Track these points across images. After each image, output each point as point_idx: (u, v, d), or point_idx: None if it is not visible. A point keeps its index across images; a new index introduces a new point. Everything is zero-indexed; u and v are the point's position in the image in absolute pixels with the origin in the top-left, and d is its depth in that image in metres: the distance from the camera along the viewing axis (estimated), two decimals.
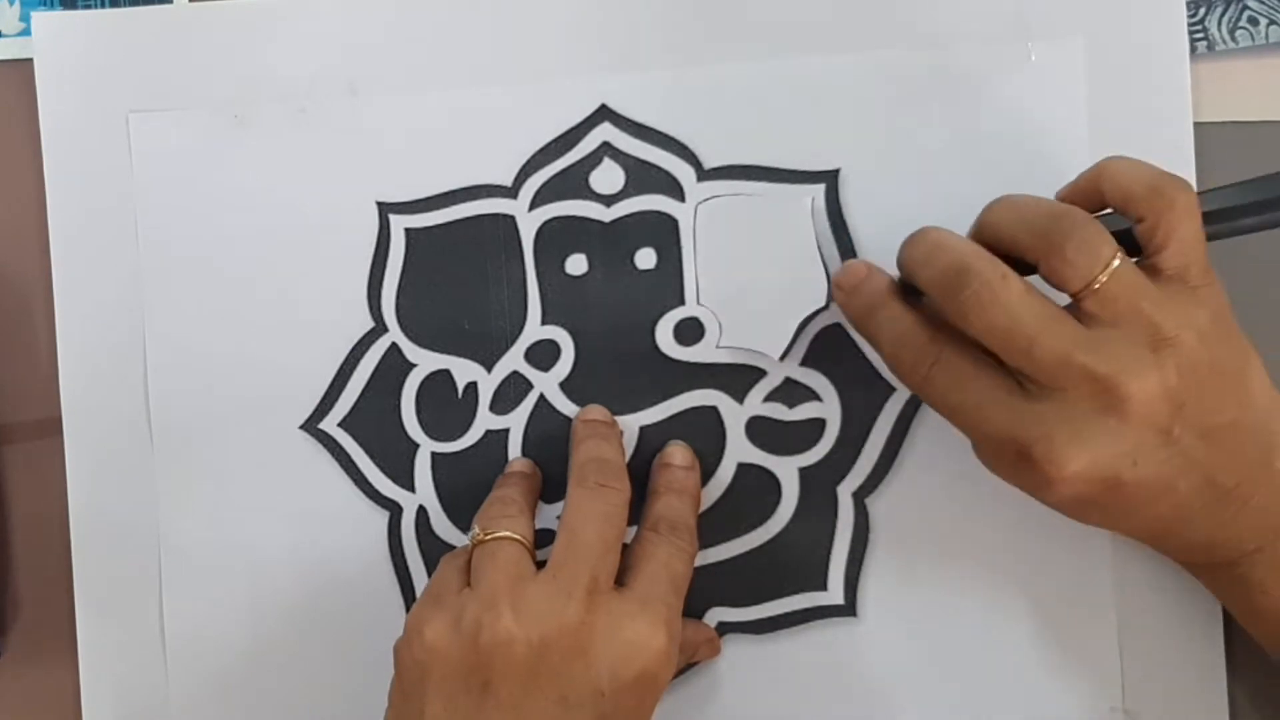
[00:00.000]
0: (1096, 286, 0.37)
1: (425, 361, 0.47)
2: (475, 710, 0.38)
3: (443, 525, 0.47)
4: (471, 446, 0.47)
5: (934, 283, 0.39)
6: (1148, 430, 0.37)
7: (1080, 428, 0.37)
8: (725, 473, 0.46)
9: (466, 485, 0.46)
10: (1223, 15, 0.45)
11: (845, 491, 0.46)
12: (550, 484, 0.46)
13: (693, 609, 0.46)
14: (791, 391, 0.46)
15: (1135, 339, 0.37)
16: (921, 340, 0.40)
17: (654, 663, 0.39)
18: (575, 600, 0.39)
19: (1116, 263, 0.37)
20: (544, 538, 0.47)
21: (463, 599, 0.40)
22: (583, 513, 0.41)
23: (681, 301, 0.46)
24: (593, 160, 0.47)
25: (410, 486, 0.47)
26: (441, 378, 0.47)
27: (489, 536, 0.41)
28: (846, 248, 0.46)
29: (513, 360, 0.47)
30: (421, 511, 0.47)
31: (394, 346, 0.47)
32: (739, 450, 0.46)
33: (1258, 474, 0.39)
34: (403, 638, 0.40)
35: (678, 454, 0.46)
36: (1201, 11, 0.45)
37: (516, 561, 0.40)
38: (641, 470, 0.46)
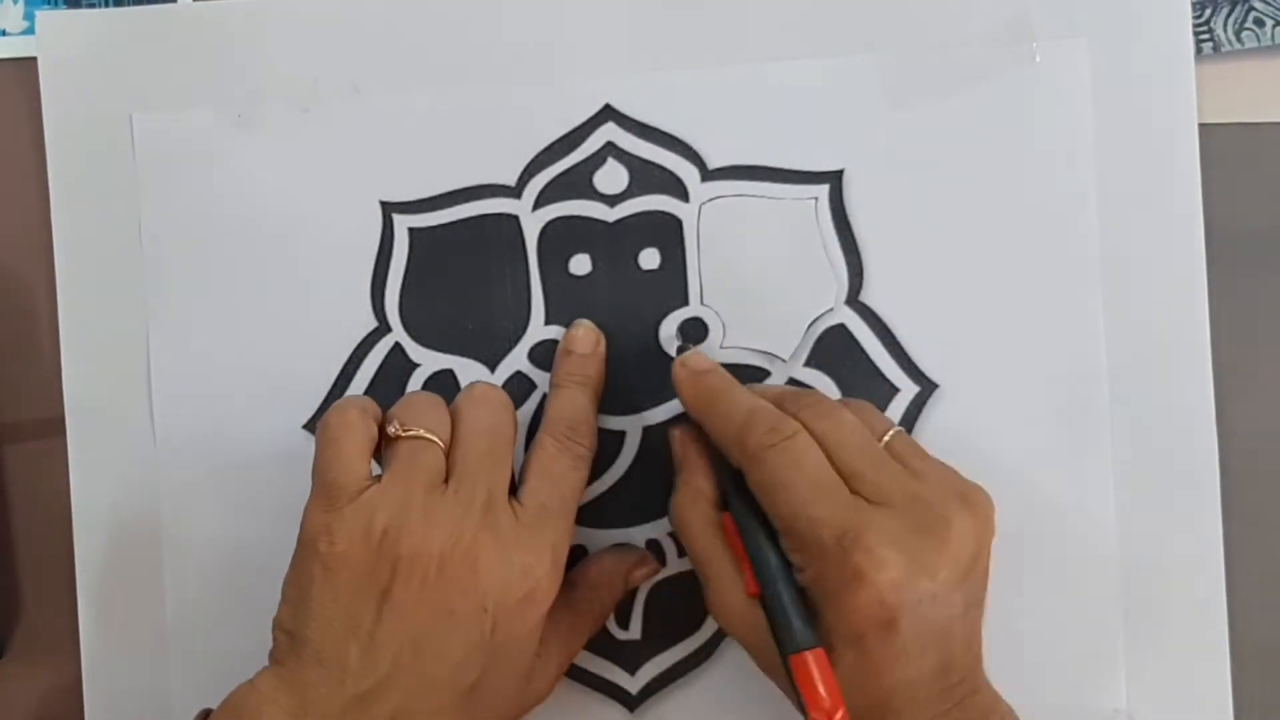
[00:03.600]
0: (885, 440, 0.41)
1: (428, 361, 0.47)
2: (370, 616, 0.39)
3: None
4: None
5: (775, 398, 0.42)
6: (958, 561, 0.38)
7: (903, 538, 0.38)
8: None
9: None
10: (1228, 16, 0.45)
11: None
12: None
13: (695, 610, 0.46)
14: None
15: (941, 485, 0.40)
16: (781, 415, 0.40)
17: (536, 587, 0.40)
18: (472, 516, 0.39)
19: (898, 428, 0.42)
20: None
21: (375, 499, 0.39)
22: (470, 422, 0.41)
23: (685, 302, 0.46)
24: (597, 160, 0.46)
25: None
26: (445, 378, 0.47)
27: (409, 433, 0.41)
28: (850, 248, 0.46)
29: (516, 360, 0.47)
30: None
31: (397, 346, 0.47)
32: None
33: (971, 678, 0.40)
34: (305, 532, 0.40)
35: (579, 338, 0.45)
36: (1207, 12, 0.45)
37: (430, 466, 0.40)
38: (644, 474, 0.46)
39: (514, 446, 0.42)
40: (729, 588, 0.41)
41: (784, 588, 0.39)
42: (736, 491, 0.41)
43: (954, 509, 0.39)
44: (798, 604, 0.39)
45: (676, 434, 0.44)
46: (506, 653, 0.40)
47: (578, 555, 0.47)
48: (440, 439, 0.41)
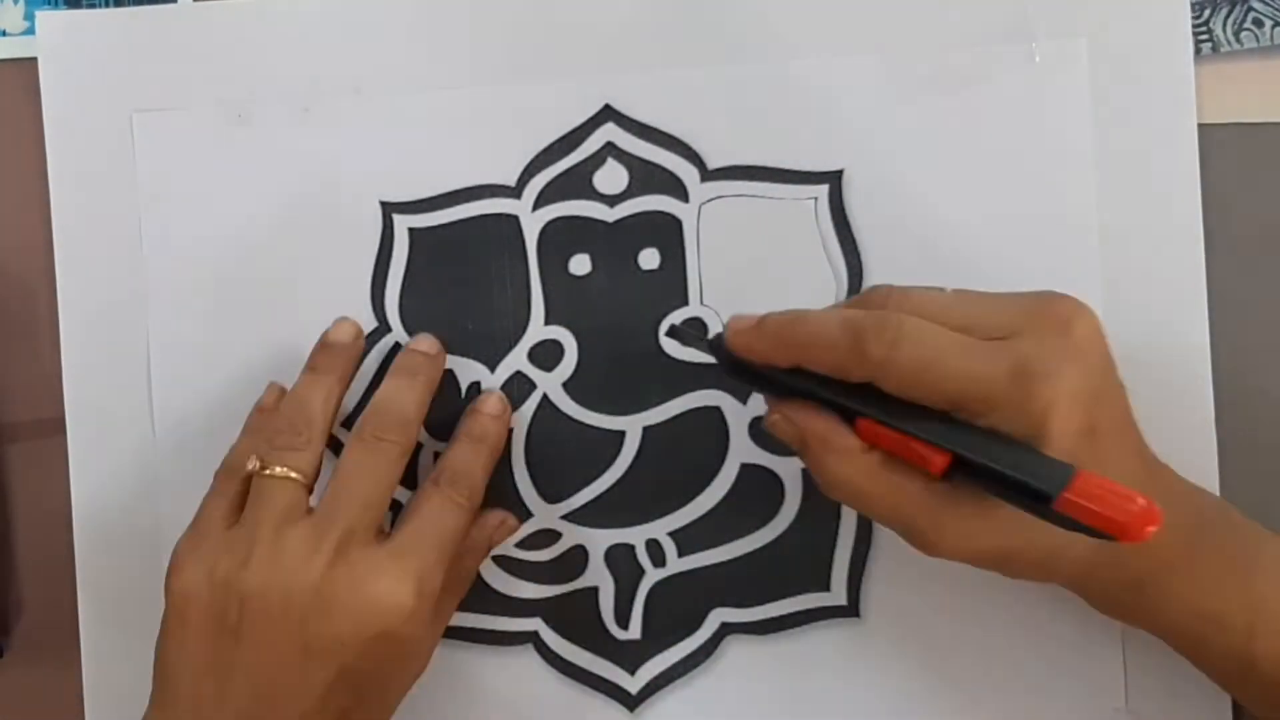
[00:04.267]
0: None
1: None
2: (225, 652, 0.40)
3: None
4: None
5: (836, 343, 0.37)
6: (1094, 349, 0.37)
7: (1055, 348, 0.36)
8: (728, 473, 0.46)
9: None
10: (1228, 16, 0.45)
11: None
12: (553, 484, 0.46)
13: (695, 610, 0.47)
14: None
15: (1024, 299, 0.38)
16: (874, 312, 0.37)
17: (395, 620, 0.40)
18: (323, 554, 0.40)
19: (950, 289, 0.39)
20: (545, 539, 0.47)
21: (221, 542, 0.41)
22: (351, 465, 0.41)
23: (685, 302, 0.46)
24: (596, 160, 0.46)
25: (413, 486, 0.47)
26: (445, 377, 0.47)
27: (265, 472, 0.41)
28: (850, 248, 0.46)
29: (516, 360, 0.47)
30: None
31: (397, 346, 0.47)
32: (742, 451, 0.46)
33: (1146, 454, 0.39)
34: (169, 567, 0.41)
35: (488, 401, 0.46)
36: (1206, 13, 0.45)
37: (287, 507, 0.41)
38: (644, 474, 0.46)
39: (392, 492, 0.42)
40: (942, 508, 0.38)
41: (987, 442, 0.36)
42: (875, 401, 0.37)
43: (1061, 302, 0.37)
44: (1011, 447, 0.36)
45: (774, 418, 0.40)
46: (377, 679, 0.41)
47: (578, 556, 0.47)
48: (302, 474, 0.41)
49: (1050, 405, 0.36)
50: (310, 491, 0.42)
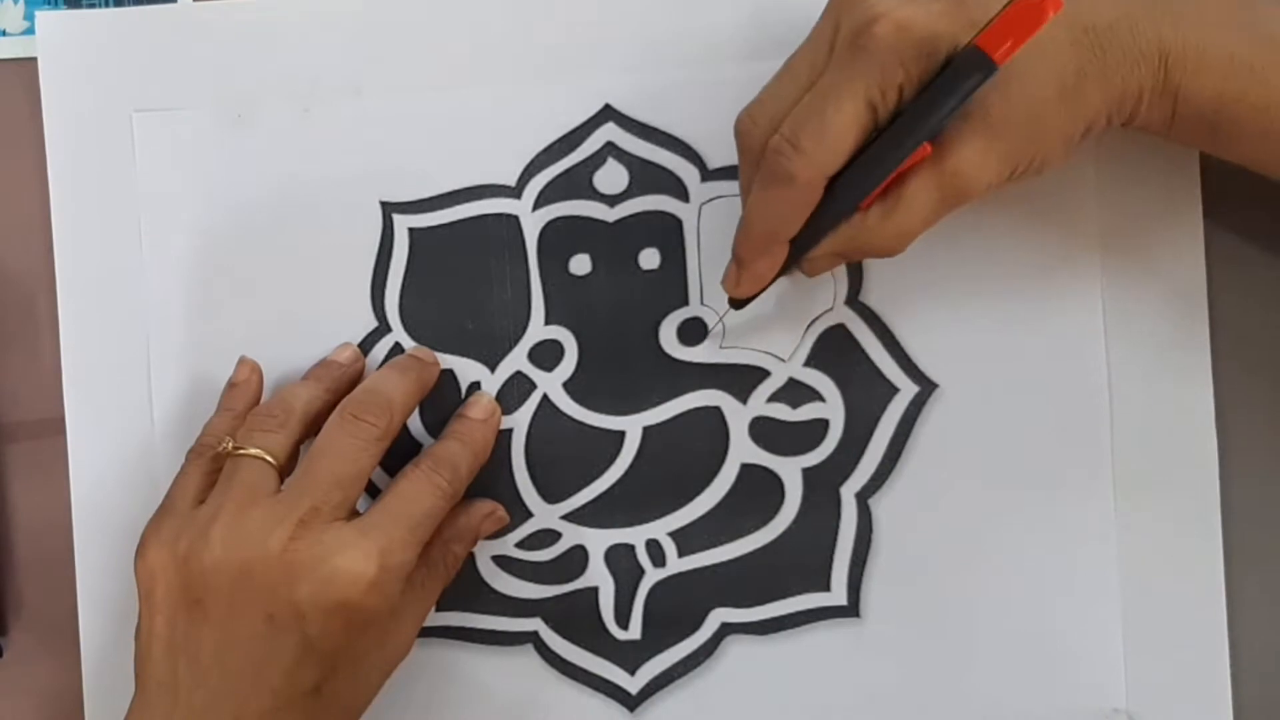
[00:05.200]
0: None
1: None
2: (191, 626, 0.40)
3: None
4: None
5: (773, 200, 0.39)
6: None
7: None
8: (728, 473, 0.46)
9: (470, 485, 0.46)
10: None
11: (848, 492, 0.46)
12: (553, 484, 0.46)
13: (695, 610, 0.47)
14: (795, 392, 0.46)
15: None
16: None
17: (356, 592, 0.39)
18: (284, 527, 0.40)
19: None
20: (545, 539, 0.47)
21: (185, 519, 0.41)
22: (326, 443, 0.42)
23: (685, 302, 0.46)
24: (597, 160, 0.46)
25: None
26: (445, 377, 0.47)
27: (236, 450, 0.42)
28: None
29: (516, 360, 0.47)
30: None
31: (397, 346, 0.47)
32: (742, 451, 0.46)
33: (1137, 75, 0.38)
34: (137, 549, 0.42)
35: (476, 406, 0.46)
36: None
37: (253, 484, 0.41)
38: (644, 474, 0.46)
39: (367, 478, 0.42)
40: (958, 160, 0.38)
41: (930, 105, 0.37)
42: (850, 185, 0.39)
43: None
44: (940, 88, 0.37)
45: (808, 265, 0.42)
46: (348, 655, 0.41)
47: (578, 556, 0.47)
48: (273, 456, 0.42)
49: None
50: (281, 476, 0.42)
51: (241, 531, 0.40)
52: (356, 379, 0.46)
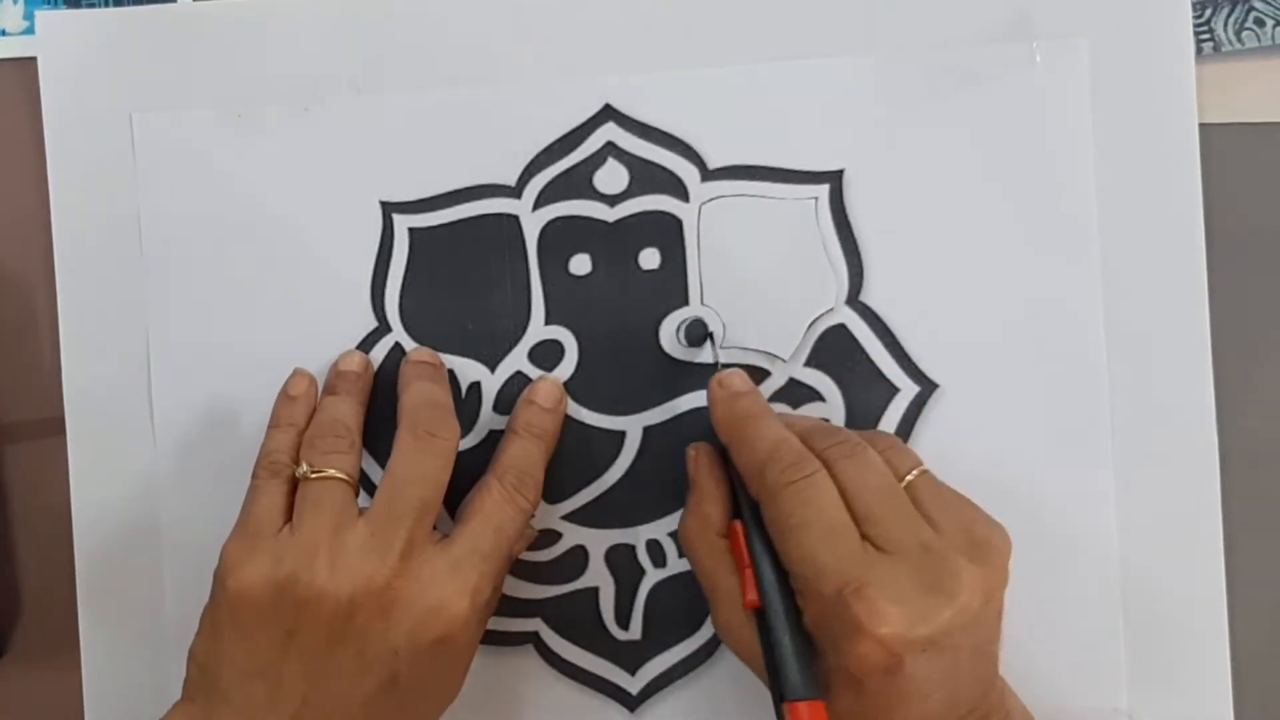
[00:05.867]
0: (906, 481, 0.41)
1: None
2: (276, 656, 0.39)
3: (446, 525, 0.47)
4: (475, 447, 0.47)
5: (804, 433, 0.41)
6: (963, 615, 0.38)
7: (907, 592, 0.38)
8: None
9: (470, 485, 0.46)
10: (1229, 16, 0.45)
11: None
12: (553, 484, 0.46)
13: (696, 610, 0.46)
14: (795, 392, 0.46)
15: (956, 533, 0.39)
16: (804, 453, 0.41)
17: (452, 628, 0.40)
18: (388, 562, 0.40)
19: (922, 468, 0.41)
20: (545, 539, 0.47)
21: (281, 544, 0.40)
22: (408, 464, 0.41)
23: (685, 302, 0.46)
24: (597, 160, 0.46)
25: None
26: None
27: (315, 475, 0.41)
28: (850, 248, 0.46)
29: (516, 360, 0.47)
30: None
31: (397, 346, 0.47)
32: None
33: (985, 700, 0.40)
34: (218, 570, 0.41)
35: (542, 391, 0.45)
36: (1208, 12, 0.45)
37: (340, 508, 0.41)
38: (644, 474, 0.46)
39: (444, 491, 0.42)
40: (737, 607, 0.41)
41: (785, 629, 0.39)
42: (754, 521, 0.41)
43: (963, 561, 0.38)
44: (799, 647, 0.39)
45: (691, 454, 0.44)
46: (422, 689, 0.41)
47: (578, 556, 0.47)
48: (348, 475, 0.42)
49: (856, 631, 0.37)
50: (356, 493, 0.42)
51: (343, 563, 0.39)
52: (371, 385, 0.46)
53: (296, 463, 0.42)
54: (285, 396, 0.45)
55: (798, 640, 0.39)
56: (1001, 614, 0.40)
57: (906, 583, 0.38)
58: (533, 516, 0.44)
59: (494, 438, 0.46)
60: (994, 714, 0.40)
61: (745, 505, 0.42)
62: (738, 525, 0.42)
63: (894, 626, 0.37)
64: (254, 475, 0.43)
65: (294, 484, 0.42)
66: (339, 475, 0.41)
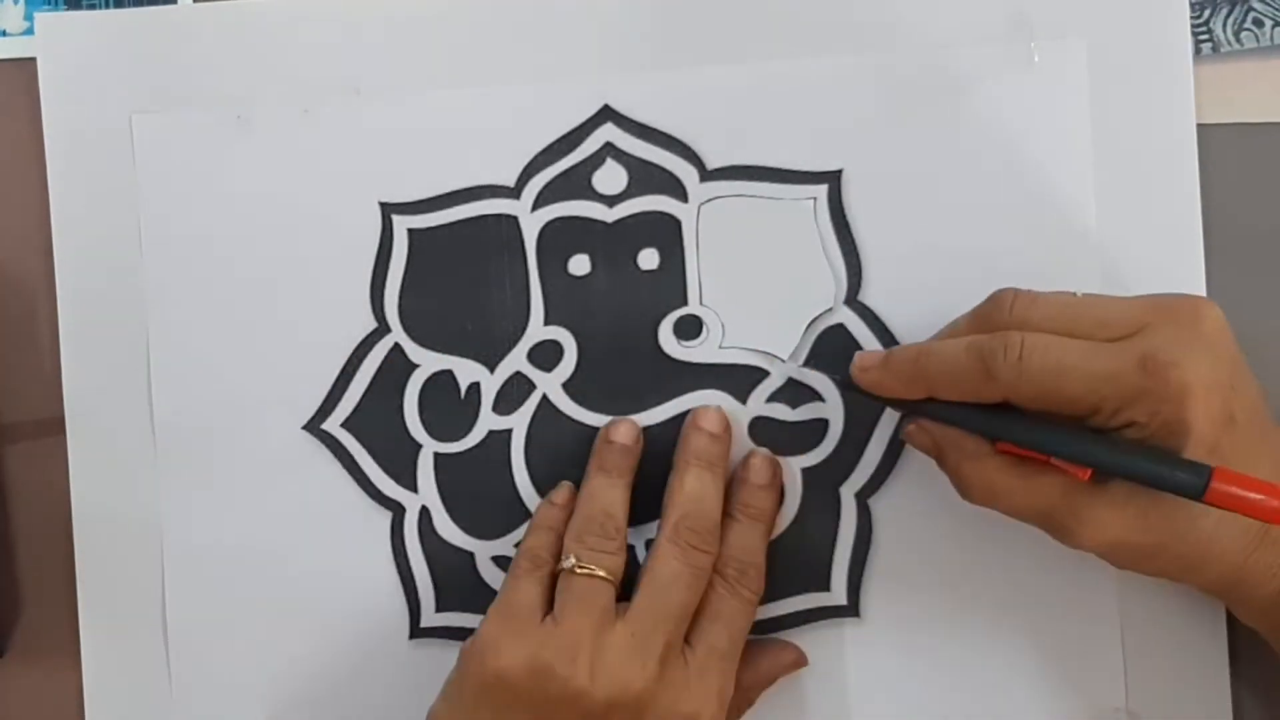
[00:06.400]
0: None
1: (428, 362, 0.47)
2: None
3: (445, 526, 0.47)
4: (474, 447, 0.47)
5: (973, 324, 0.40)
6: (1222, 337, 0.38)
7: (1188, 341, 0.37)
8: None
9: (469, 486, 0.46)
10: (1228, 16, 0.45)
11: (848, 492, 0.46)
12: (553, 485, 0.46)
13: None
14: (794, 392, 0.46)
15: (1155, 300, 0.39)
16: (993, 334, 0.39)
17: None
18: (648, 668, 0.40)
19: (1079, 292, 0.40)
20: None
21: (544, 634, 0.40)
22: (671, 573, 0.41)
23: (684, 302, 0.46)
24: (595, 161, 0.46)
25: (413, 487, 0.47)
26: (444, 378, 0.47)
27: (583, 571, 0.41)
28: (849, 248, 0.46)
29: (515, 361, 0.47)
30: (424, 512, 0.47)
31: (397, 347, 0.47)
32: (742, 451, 0.46)
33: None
34: (474, 646, 0.41)
35: (756, 467, 0.45)
36: (1206, 13, 0.45)
37: (604, 608, 0.41)
38: (644, 474, 0.46)
39: (698, 600, 0.42)
40: (1088, 497, 0.39)
41: (1133, 452, 0.37)
42: (1011, 420, 0.39)
43: (1178, 301, 0.38)
44: (1150, 453, 0.37)
45: (910, 429, 0.42)
46: None
47: None
48: (614, 576, 0.42)
49: (1185, 390, 0.36)
50: (619, 593, 0.42)
51: (602, 666, 0.40)
52: (640, 457, 0.45)
53: (558, 557, 0.42)
54: (549, 503, 0.45)
55: (1149, 450, 0.37)
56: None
57: (1179, 336, 0.37)
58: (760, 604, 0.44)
59: (493, 438, 0.47)
60: None
61: (993, 421, 0.40)
62: (1005, 445, 0.40)
63: (1205, 368, 0.37)
64: (514, 566, 0.43)
65: (554, 575, 0.42)
66: (605, 576, 0.41)
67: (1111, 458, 0.38)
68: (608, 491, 0.43)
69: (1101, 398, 0.37)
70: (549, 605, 0.42)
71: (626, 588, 0.42)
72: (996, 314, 0.40)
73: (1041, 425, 0.39)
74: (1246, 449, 0.37)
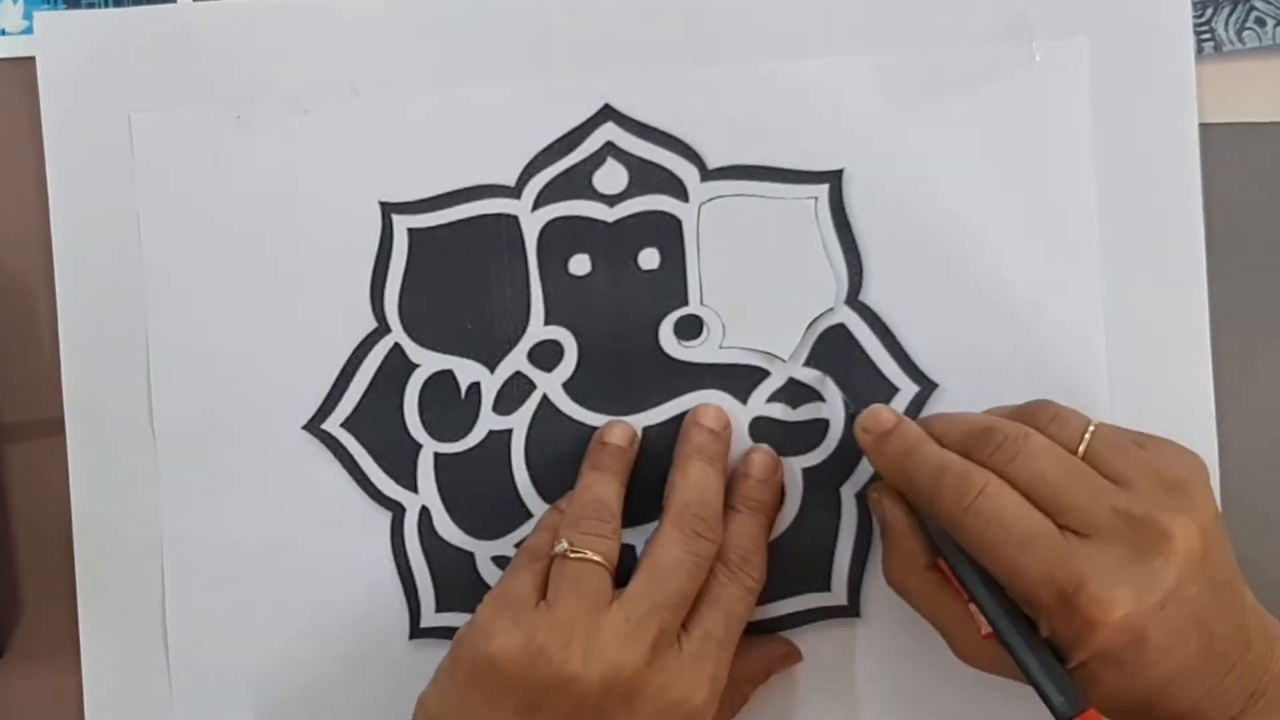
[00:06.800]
0: (1082, 449, 0.39)
1: (428, 362, 0.47)
2: None
3: (445, 526, 0.47)
4: (474, 447, 0.47)
5: (961, 444, 0.41)
6: (1188, 565, 0.37)
7: (1125, 569, 0.37)
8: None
9: (469, 486, 0.46)
10: (1230, 16, 0.45)
11: (848, 492, 0.46)
12: (553, 484, 0.46)
13: None
14: (794, 392, 0.46)
15: (1149, 486, 0.38)
16: (966, 469, 0.40)
17: (690, 718, 0.40)
18: (640, 651, 0.40)
19: (1093, 426, 0.40)
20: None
21: (537, 619, 0.40)
22: (672, 558, 0.41)
23: (685, 302, 0.46)
24: (596, 160, 0.46)
25: (413, 487, 0.47)
26: (444, 378, 0.47)
27: (575, 555, 0.41)
28: (850, 248, 0.46)
29: (515, 361, 0.47)
30: (424, 512, 0.47)
31: (397, 347, 0.47)
32: (742, 451, 0.46)
33: (1240, 637, 0.39)
34: (469, 633, 0.41)
35: (757, 462, 0.45)
36: (1209, 12, 0.45)
37: (598, 591, 0.41)
38: (644, 474, 0.46)
39: (699, 589, 0.42)
40: (973, 637, 0.41)
41: (1029, 650, 0.39)
42: (955, 551, 0.41)
43: (1168, 514, 0.38)
44: (1049, 660, 0.39)
45: (873, 496, 0.44)
46: None
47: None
48: (608, 560, 0.41)
49: (1093, 625, 0.37)
50: (614, 579, 0.42)
51: (596, 649, 0.39)
52: (634, 459, 0.46)
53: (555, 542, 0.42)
54: (555, 509, 0.45)
55: (1045, 654, 0.39)
56: (1226, 539, 0.39)
57: (1121, 561, 0.37)
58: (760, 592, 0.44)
59: (493, 438, 0.47)
60: (1254, 644, 0.39)
61: (940, 538, 0.41)
62: (941, 563, 0.41)
63: (1126, 607, 0.37)
64: (513, 561, 0.43)
65: (550, 563, 0.42)
66: (598, 559, 0.41)
67: (1010, 638, 0.39)
68: (601, 484, 0.44)
69: (1018, 589, 0.39)
70: (544, 590, 0.41)
71: (627, 581, 0.42)
72: (995, 441, 0.40)
73: (977, 571, 0.40)
74: (1154, 662, 0.38)
